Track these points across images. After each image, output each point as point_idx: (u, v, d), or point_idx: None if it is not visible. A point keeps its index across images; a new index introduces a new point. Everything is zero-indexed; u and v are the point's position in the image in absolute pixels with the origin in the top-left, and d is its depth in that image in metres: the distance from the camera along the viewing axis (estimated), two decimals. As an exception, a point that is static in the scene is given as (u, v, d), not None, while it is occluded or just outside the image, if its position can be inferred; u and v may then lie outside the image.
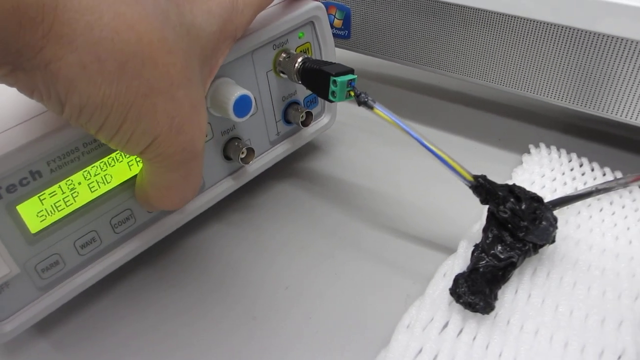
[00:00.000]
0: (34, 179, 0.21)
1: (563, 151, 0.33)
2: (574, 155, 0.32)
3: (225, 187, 0.29)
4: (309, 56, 0.29)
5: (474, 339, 0.23)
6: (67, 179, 0.22)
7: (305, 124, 0.31)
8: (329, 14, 0.36)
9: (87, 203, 0.23)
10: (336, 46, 0.32)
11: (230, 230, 0.30)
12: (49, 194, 0.22)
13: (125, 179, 0.24)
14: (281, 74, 0.29)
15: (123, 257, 0.26)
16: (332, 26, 0.37)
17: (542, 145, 0.33)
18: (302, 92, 0.31)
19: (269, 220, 0.31)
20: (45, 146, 0.21)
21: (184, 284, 0.27)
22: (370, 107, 0.25)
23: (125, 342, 0.25)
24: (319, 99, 0.32)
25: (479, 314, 0.23)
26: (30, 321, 0.23)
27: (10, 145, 0.20)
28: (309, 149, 0.35)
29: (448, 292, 0.24)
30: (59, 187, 0.22)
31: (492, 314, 0.24)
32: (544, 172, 0.31)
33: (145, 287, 0.27)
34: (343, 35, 0.37)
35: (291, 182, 0.33)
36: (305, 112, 0.31)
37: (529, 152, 0.33)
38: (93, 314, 0.26)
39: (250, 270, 0.28)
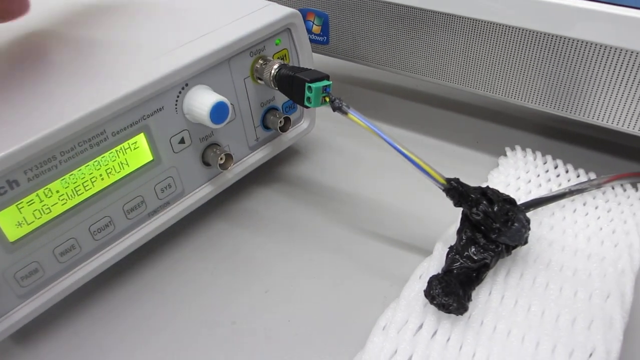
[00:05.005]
0: (12, 188, 0.21)
1: (538, 153, 0.33)
2: (549, 157, 0.33)
3: (205, 192, 0.29)
4: (286, 63, 0.29)
5: (448, 340, 0.23)
6: (45, 187, 0.22)
7: (283, 129, 0.31)
8: (307, 20, 0.36)
9: (65, 211, 0.24)
10: (315, 52, 0.32)
11: (212, 234, 0.30)
12: (27, 203, 0.22)
13: (104, 186, 0.25)
14: (259, 81, 0.29)
15: (103, 264, 0.26)
16: (310, 32, 0.37)
17: (518, 147, 0.34)
18: (280, 98, 0.31)
19: (250, 224, 0.31)
20: (22, 155, 0.21)
21: (164, 289, 0.28)
22: (345, 113, 0.26)
23: (104, 346, 0.25)
24: (295, 103, 0.33)
25: (453, 315, 0.24)
26: (9, 329, 0.23)
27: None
28: (290, 154, 0.36)
29: (423, 293, 0.24)
30: (37, 195, 0.22)
31: (466, 315, 0.24)
32: (519, 174, 0.32)
33: (126, 293, 0.27)
34: (322, 41, 0.37)
35: (272, 187, 0.34)
36: (284, 118, 0.31)
37: (505, 155, 0.34)
38: (73, 321, 0.26)
39: (231, 273, 0.28)
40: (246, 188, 0.33)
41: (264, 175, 0.34)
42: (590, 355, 0.22)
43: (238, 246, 0.30)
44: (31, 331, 0.26)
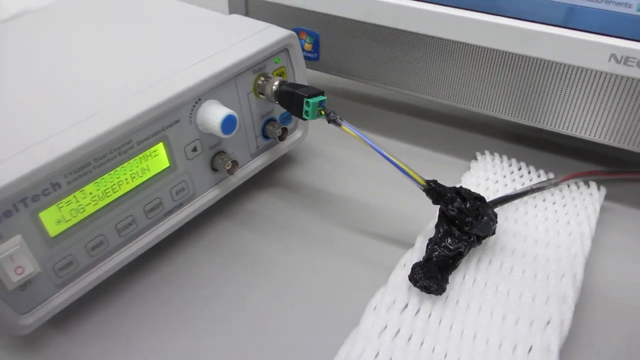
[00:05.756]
0: (54, 190, 0.25)
1: (505, 157, 0.38)
2: (514, 161, 0.38)
3: (213, 195, 0.33)
4: (285, 79, 0.33)
5: (429, 316, 0.28)
6: (81, 189, 0.26)
7: (281, 138, 0.35)
8: (300, 39, 0.40)
9: (96, 211, 0.27)
10: (307, 67, 0.36)
11: (219, 232, 0.34)
12: (66, 203, 0.25)
13: (129, 189, 0.28)
14: (260, 95, 0.33)
15: (126, 258, 0.29)
16: (303, 49, 0.41)
17: (487, 152, 0.39)
18: (278, 110, 0.35)
19: (253, 223, 0.35)
20: (65, 161, 0.24)
21: (180, 280, 0.31)
22: (339, 124, 0.30)
23: (128, 333, 0.28)
24: (293, 115, 0.37)
25: (433, 296, 0.28)
26: (47, 315, 0.27)
27: (37, 162, 0.24)
28: (285, 160, 0.40)
29: (407, 278, 0.29)
30: (74, 196, 0.26)
31: (444, 295, 0.28)
32: (488, 175, 0.36)
33: (147, 282, 0.31)
34: (313, 57, 0.41)
35: (270, 190, 0.37)
36: (282, 128, 0.35)
37: (476, 159, 0.38)
38: (103, 308, 0.30)
39: (238, 266, 0.32)
40: (247, 191, 0.37)
41: (263, 179, 0.38)
42: (547, 323, 0.27)
43: (242, 243, 0.33)
44: (65, 316, 0.29)
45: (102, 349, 0.28)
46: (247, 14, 0.42)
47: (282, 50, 0.34)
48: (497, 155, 0.38)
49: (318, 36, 0.40)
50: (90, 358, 0.27)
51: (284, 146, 0.37)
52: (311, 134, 0.39)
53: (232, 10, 0.42)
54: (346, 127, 0.30)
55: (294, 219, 0.35)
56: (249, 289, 0.31)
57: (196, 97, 0.30)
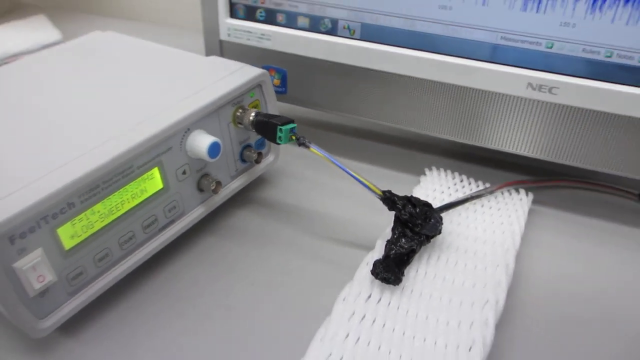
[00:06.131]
0: (70, 209, 0.29)
1: (449, 172, 0.44)
2: (456, 174, 0.44)
3: (200, 212, 0.38)
4: (259, 111, 0.38)
5: (389, 303, 0.33)
6: (91, 208, 0.30)
7: (257, 161, 0.40)
8: (270, 75, 0.46)
9: (103, 227, 0.31)
10: (277, 100, 0.42)
11: (205, 245, 0.39)
12: (79, 220, 0.30)
13: (129, 208, 0.33)
14: (239, 125, 0.38)
15: (128, 268, 0.34)
16: (272, 84, 0.47)
17: (434, 168, 0.45)
18: (253, 137, 0.41)
19: (233, 236, 0.40)
20: (79, 184, 0.29)
21: (172, 288, 0.35)
22: (307, 147, 0.35)
23: (129, 335, 0.33)
24: (267, 141, 0.42)
25: (392, 286, 0.33)
26: (61, 320, 0.31)
27: (56, 185, 0.28)
28: (261, 181, 0.45)
29: (370, 273, 0.34)
30: (85, 214, 0.30)
31: (401, 285, 0.34)
32: (435, 187, 0.43)
33: (143, 291, 0.35)
34: (282, 91, 0.47)
35: (248, 207, 0.42)
36: (257, 153, 0.40)
37: (425, 174, 0.45)
38: (107, 312, 0.34)
39: (224, 273, 0.37)
40: (229, 209, 0.42)
41: (242, 198, 0.43)
42: (486, 303, 0.32)
43: (225, 253, 0.38)
44: (73, 320, 0.33)
45: (106, 349, 0.32)
46: (222, 54, 0.48)
47: (256, 85, 0.39)
48: (442, 170, 0.45)
49: (285, 73, 0.46)
50: (96, 357, 0.31)
51: (259, 168, 0.42)
52: (282, 158, 0.44)
53: (209, 52, 0.48)
54: (314, 149, 0.35)
55: (269, 231, 0.40)
56: (233, 291, 0.35)
57: (185, 128, 0.35)
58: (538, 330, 0.33)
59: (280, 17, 0.44)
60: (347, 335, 0.31)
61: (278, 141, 0.36)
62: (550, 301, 0.35)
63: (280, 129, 0.35)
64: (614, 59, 0.35)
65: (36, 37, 0.66)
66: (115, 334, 0.33)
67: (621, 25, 0.34)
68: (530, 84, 0.38)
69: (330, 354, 0.30)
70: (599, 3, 0.34)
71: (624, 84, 0.36)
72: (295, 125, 0.36)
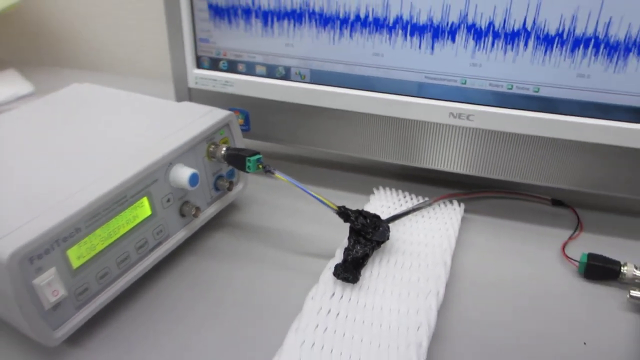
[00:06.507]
0: (77, 233, 0.35)
1: (394, 190, 0.52)
2: (400, 191, 0.52)
3: (182, 235, 0.43)
4: (229, 146, 0.45)
5: (350, 299, 0.39)
6: (94, 232, 0.36)
7: (229, 189, 0.47)
8: (235, 116, 0.53)
9: (103, 249, 0.37)
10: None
11: (186, 264, 0.44)
12: (84, 243, 0.35)
13: (124, 232, 0.38)
14: (212, 159, 0.45)
15: (123, 285, 0.39)
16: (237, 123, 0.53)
17: (381, 188, 0.52)
18: (225, 169, 0.47)
19: (213, 254, 0.45)
20: (85, 212, 0.34)
21: (162, 301, 0.41)
22: (273, 173, 0.42)
23: (126, 344, 0.38)
24: (236, 172, 0.49)
25: (351, 285, 0.40)
26: (70, 330, 0.35)
27: (67, 213, 0.33)
28: (232, 207, 0.51)
29: (332, 275, 0.40)
30: (89, 237, 0.36)
31: (358, 284, 0.40)
32: (382, 203, 0.50)
33: (137, 304, 0.40)
34: (245, 129, 0.54)
35: (223, 230, 0.48)
36: (229, 182, 0.47)
37: (373, 193, 0.52)
38: (107, 324, 0.38)
39: (202, 286, 0.42)
40: (206, 232, 0.48)
41: (216, 222, 0.49)
42: (429, 293, 0.39)
43: (206, 268, 0.44)
44: (79, 332, 0.37)
45: (108, 356, 0.37)
46: (190, 100, 0.54)
47: (224, 125, 0.46)
48: (388, 189, 0.52)
49: (248, 113, 0.53)
50: (103, 362, 0.36)
51: (231, 195, 0.48)
52: (249, 186, 0.51)
53: (179, 98, 0.55)
54: (278, 174, 0.42)
55: (243, 249, 0.46)
56: (215, 299, 0.41)
57: (168, 162, 0.41)
58: (473, 314, 0.40)
59: (241, 67, 0.52)
60: (317, 326, 0.37)
61: (247, 170, 0.42)
62: (481, 289, 0.42)
63: (249, 159, 0.42)
64: (514, 90, 0.44)
65: (9, 90, 0.70)
66: (115, 343, 0.37)
67: (515, 64, 0.43)
68: (451, 113, 0.46)
69: (304, 342, 0.36)
70: (495, 47, 0.43)
71: (524, 110, 0.45)
72: (261, 156, 0.43)
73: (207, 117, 0.45)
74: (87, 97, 0.50)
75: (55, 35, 0.89)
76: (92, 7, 0.84)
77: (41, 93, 0.72)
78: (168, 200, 0.42)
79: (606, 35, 0.40)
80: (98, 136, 0.43)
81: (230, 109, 0.53)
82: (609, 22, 0.40)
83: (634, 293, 0.40)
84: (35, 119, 0.46)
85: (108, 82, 0.58)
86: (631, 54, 0.40)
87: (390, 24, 0.45)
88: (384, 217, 0.47)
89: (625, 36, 0.40)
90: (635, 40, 0.40)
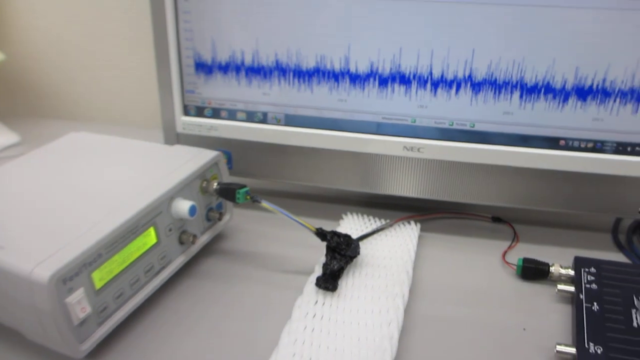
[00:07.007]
0: (99, 257, 0.41)
1: (360, 215, 0.60)
2: (365, 216, 0.60)
3: (181, 260, 0.50)
4: (219, 181, 0.52)
5: (330, 305, 0.47)
6: (112, 258, 0.42)
7: (220, 219, 0.54)
8: (218, 157, 0.60)
9: (119, 272, 0.43)
10: (228, 174, 0.56)
11: (185, 285, 0.50)
12: (104, 266, 0.41)
13: (136, 257, 0.44)
14: (205, 193, 0.52)
15: (135, 304, 0.45)
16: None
17: (349, 214, 0.61)
18: (214, 202, 0.54)
19: (207, 276, 0.52)
20: (106, 240, 0.41)
21: (163, 319, 0.47)
22: (259, 202, 0.50)
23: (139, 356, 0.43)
24: (223, 204, 0.56)
25: (331, 293, 0.47)
26: (93, 344, 0.41)
27: (91, 241, 0.40)
28: (221, 236, 0.58)
29: (315, 286, 0.48)
30: (109, 262, 0.42)
31: (337, 292, 0.48)
32: (351, 226, 0.58)
33: (146, 321, 0.46)
34: (229, 167, 0.61)
35: (215, 256, 0.55)
36: (219, 213, 0.54)
37: (342, 219, 0.60)
38: (120, 339, 0.44)
39: (204, 300, 0.48)
40: (200, 258, 0.54)
41: (209, 249, 0.55)
42: (396, 296, 0.47)
43: (202, 288, 0.50)
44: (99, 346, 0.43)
45: (129, 364, 0.42)
46: (178, 142, 0.61)
47: (214, 164, 0.53)
48: (355, 214, 0.60)
49: (230, 154, 0.61)
50: (122, 370, 0.42)
51: (220, 225, 0.55)
52: (235, 217, 0.58)
53: (167, 141, 0.62)
54: (264, 203, 0.49)
55: (233, 271, 0.53)
56: (213, 314, 0.47)
57: (170, 196, 0.48)
58: (432, 311, 0.48)
59: (224, 113, 0.60)
60: (305, 327, 0.44)
61: (237, 201, 0.50)
62: (438, 291, 0.51)
63: (239, 191, 0.49)
64: (455, 126, 0.54)
65: (-4, 141, 0.75)
66: (130, 355, 0.43)
67: (453, 105, 0.53)
68: (405, 147, 0.56)
69: (296, 340, 0.43)
70: (438, 93, 0.53)
71: (463, 142, 0.54)
72: (248, 188, 0.50)
73: (199, 157, 0.52)
74: (87, 144, 0.57)
75: (37, 89, 0.94)
76: (73, 63, 0.90)
77: (27, 143, 0.77)
78: (170, 230, 0.48)
79: (522, 79, 0.51)
80: (107, 177, 0.49)
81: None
82: (524, 69, 0.50)
83: (560, 287, 0.49)
84: (46, 164, 0.52)
85: (95, 131, 0.64)
86: (541, 94, 0.51)
87: (352, 75, 0.54)
88: (354, 237, 0.55)
89: (537, 80, 0.51)
90: (547, 84, 0.51)
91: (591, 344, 0.42)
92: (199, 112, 0.60)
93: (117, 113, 0.92)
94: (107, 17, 0.84)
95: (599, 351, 0.41)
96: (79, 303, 0.39)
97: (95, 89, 0.92)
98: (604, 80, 0.50)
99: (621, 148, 0.52)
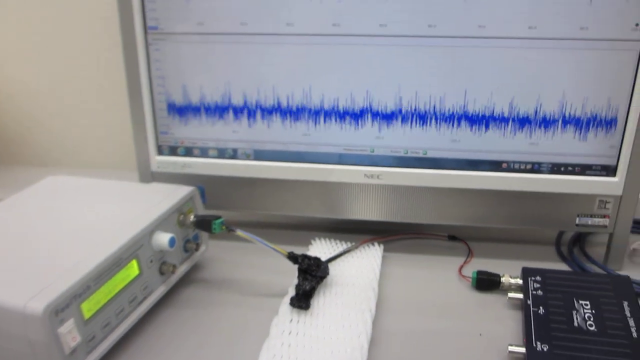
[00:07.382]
0: (88, 289, 0.44)
1: (327, 239, 0.65)
2: (332, 240, 0.65)
3: (162, 290, 0.53)
4: (195, 214, 0.56)
5: (305, 322, 0.50)
6: (99, 289, 0.45)
7: (197, 249, 0.57)
8: (192, 192, 0.64)
9: (105, 303, 0.46)
10: (203, 207, 0.60)
11: (166, 314, 0.53)
12: (92, 297, 0.44)
13: (120, 288, 0.47)
14: (182, 226, 0.55)
15: (120, 333, 0.47)
16: (194, 198, 0.65)
17: (317, 239, 0.65)
18: (191, 233, 0.58)
19: (186, 304, 0.55)
20: (93, 273, 0.44)
21: (147, 346, 0.49)
22: (234, 231, 0.53)
23: (131, 377, 0.46)
24: (199, 236, 0.59)
25: (304, 311, 0.51)
26: (82, 372, 0.43)
27: (81, 274, 0.43)
28: (198, 266, 0.61)
29: (289, 305, 0.52)
30: (96, 293, 0.45)
31: (310, 310, 0.52)
32: (320, 250, 0.62)
33: (127, 352, 0.49)
34: (203, 201, 0.65)
35: (192, 285, 0.58)
36: (195, 244, 0.57)
37: (311, 244, 0.64)
38: (105, 371, 0.47)
39: (183, 327, 0.51)
40: (179, 288, 0.57)
41: (187, 279, 0.58)
42: (364, 310, 0.51)
43: (182, 316, 0.53)
44: (84, 380, 0.45)
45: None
46: (153, 180, 0.65)
47: (189, 199, 0.57)
48: (323, 239, 0.65)
49: (203, 188, 0.65)
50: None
51: (197, 255, 0.59)
52: (210, 249, 0.61)
53: (143, 179, 0.65)
54: (239, 231, 0.53)
55: (211, 298, 0.56)
56: (194, 339, 0.50)
57: (150, 230, 0.51)
58: (397, 323, 0.53)
59: (196, 151, 0.64)
60: (282, 343, 0.48)
61: (213, 231, 0.53)
62: (401, 305, 0.55)
63: (214, 222, 0.53)
64: (409, 154, 0.60)
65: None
66: (117, 382, 0.46)
67: (407, 135, 0.59)
68: (365, 175, 0.61)
69: (274, 355, 0.46)
70: (392, 125, 0.59)
71: (418, 168, 0.60)
72: (223, 219, 0.54)
73: (176, 193, 0.56)
74: (67, 186, 0.60)
75: (5, 136, 0.96)
76: (41, 109, 0.93)
77: (2, 189, 0.79)
78: (151, 261, 0.51)
79: (466, 111, 0.57)
80: (89, 215, 0.52)
81: (188, 186, 0.64)
82: (467, 102, 0.57)
83: (511, 295, 0.55)
84: (28, 206, 0.55)
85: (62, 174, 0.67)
86: (483, 123, 0.57)
87: (314, 112, 0.60)
88: (323, 259, 0.60)
89: (479, 111, 0.57)
90: (488, 114, 0.57)
91: (538, 343, 0.47)
92: (172, 151, 0.64)
93: (87, 157, 0.95)
94: (75, 64, 0.88)
95: (545, 349, 0.46)
96: (69, 333, 0.42)
97: (64, 134, 0.94)
98: (535, 110, 0.57)
99: (556, 168, 0.59)
